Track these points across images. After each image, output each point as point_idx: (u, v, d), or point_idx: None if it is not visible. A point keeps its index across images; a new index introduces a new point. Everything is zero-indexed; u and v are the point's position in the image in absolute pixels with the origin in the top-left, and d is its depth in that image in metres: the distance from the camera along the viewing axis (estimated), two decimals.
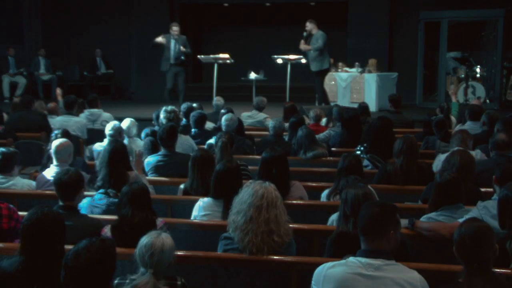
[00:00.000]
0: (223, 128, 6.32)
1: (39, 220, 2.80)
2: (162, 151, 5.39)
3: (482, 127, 6.31)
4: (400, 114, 8.19)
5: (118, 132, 6.08)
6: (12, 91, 13.14)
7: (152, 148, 5.67)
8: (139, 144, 6.22)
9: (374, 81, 11.51)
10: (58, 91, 9.21)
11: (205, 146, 5.91)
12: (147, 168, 5.31)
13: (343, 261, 2.73)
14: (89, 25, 14.18)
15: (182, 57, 10.88)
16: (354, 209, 3.22)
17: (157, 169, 5.28)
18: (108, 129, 6.11)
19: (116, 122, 6.37)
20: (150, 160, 5.35)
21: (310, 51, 10.30)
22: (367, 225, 2.71)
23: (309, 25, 10.35)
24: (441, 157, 4.95)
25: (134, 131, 6.35)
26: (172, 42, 10.81)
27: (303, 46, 10.43)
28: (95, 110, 8.05)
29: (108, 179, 4.27)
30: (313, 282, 2.78)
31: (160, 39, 10.84)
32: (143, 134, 6.23)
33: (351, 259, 2.71)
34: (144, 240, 2.78)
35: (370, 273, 2.62)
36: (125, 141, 6.15)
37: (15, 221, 3.63)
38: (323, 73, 10.52)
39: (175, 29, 10.82)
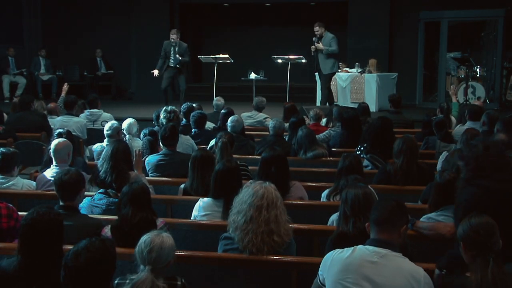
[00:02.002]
0: (229, 129, 6.31)
1: (35, 220, 2.80)
2: (164, 150, 5.40)
3: (482, 127, 6.30)
4: (400, 114, 8.19)
5: (116, 132, 6.11)
6: (12, 91, 13.15)
7: (150, 148, 5.69)
8: (139, 143, 6.22)
9: (374, 81, 11.51)
10: (65, 86, 9.05)
11: (207, 147, 5.91)
12: (147, 167, 5.31)
13: (351, 248, 2.77)
14: (89, 25, 14.18)
15: (178, 65, 10.80)
16: (354, 209, 3.22)
17: (158, 168, 5.29)
18: (106, 128, 6.13)
19: (114, 122, 6.39)
20: (150, 159, 5.35)
21: (322, 53, 10.18)
22: (382, 215, 2.75)
23: (319, 29, 10.18)
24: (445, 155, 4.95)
25: (134, 129, 6.39)
26: (172, 49, 10.81)
27: (317, 45, 10.20)
28: (95, 110, 8.05)
29: (111, 172, 4.30)
30: (320, 268, 2.81)
31: (156, 72, 10.88)
32: (141, 134, 6.24)
33: (360, 246, 2.75)
34: (144, 237, 2.80)
35: (376, 260, 2.66)
36: (127, 138, 6.18)
37: (14, 221, 3.62)
38: (331, 75, 10.50)
39: (173, 36, 10.83)
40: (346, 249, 2.77)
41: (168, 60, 10.78)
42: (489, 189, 2.94)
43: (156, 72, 10.82)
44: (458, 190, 3.12)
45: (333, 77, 11.69)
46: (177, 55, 10.70)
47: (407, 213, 2.85)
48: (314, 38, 10.29)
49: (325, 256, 2.82)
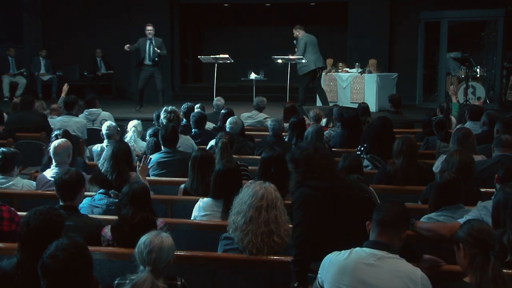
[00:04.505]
0: (227, 130, 6.31)
1: (35, 220, 2.81)
2: (164, 149, 5.44)
3: (482, 127, 6.30)
4: (400, 114, 8.19)
5: (115, 131, 6.11)
6: (12, 91, 13.15)
7: (155, 148, 5.73)
8: (141, 144, 6.23)
9: (374, 81, 11.50)
10: (65, 86, 8.95)
11: (207, 147, 5.91)
12: (149, 165, 5.30)
13: (348, 250, 2.76)
14: (89, 25, 14.17)
15: (156, 58, 11.05)
16: None
17: (160, 165, 5.33)
18: (104, 128, 6.12)
19: (111, 122, 6.40)
20: (152, 158, 5.36)
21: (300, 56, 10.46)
22: (387, 218, 2.72)
23: (294, 32, 10.59)
24: (443, 157, 4.94)
25: (139, 128, 6.46)
26: (147, 43, 11.00)
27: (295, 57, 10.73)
28: (93, 110, 8.03)
29: (111, 172, 4.31)
30: (319, 270, 2.81)
31: (127, 47, 11.12)
32: (148, 132, 6.26)
33: (357, 249, 2.73)
34: (143, 238, 2.80)
35: (372, 262, 2.64)
36: (131, 134, 6.18)
37: (16, 224, 3.61)
38: (308, 75, 10.59)
39: (149, 29, 11.01)
40: (343, 251, 2.76)
41: (144, 55, 11.03)
42: (318, 188, 3.15)
43: (126, 47, 11.07)
44: (292, 191, 3.30)
45: (333, 77, 11.76)
46: (155, 48, 10.89)
47: (409, 218, 2.83)
48: (294, 41, 10.71)
49: (324, 259, 2.80)
